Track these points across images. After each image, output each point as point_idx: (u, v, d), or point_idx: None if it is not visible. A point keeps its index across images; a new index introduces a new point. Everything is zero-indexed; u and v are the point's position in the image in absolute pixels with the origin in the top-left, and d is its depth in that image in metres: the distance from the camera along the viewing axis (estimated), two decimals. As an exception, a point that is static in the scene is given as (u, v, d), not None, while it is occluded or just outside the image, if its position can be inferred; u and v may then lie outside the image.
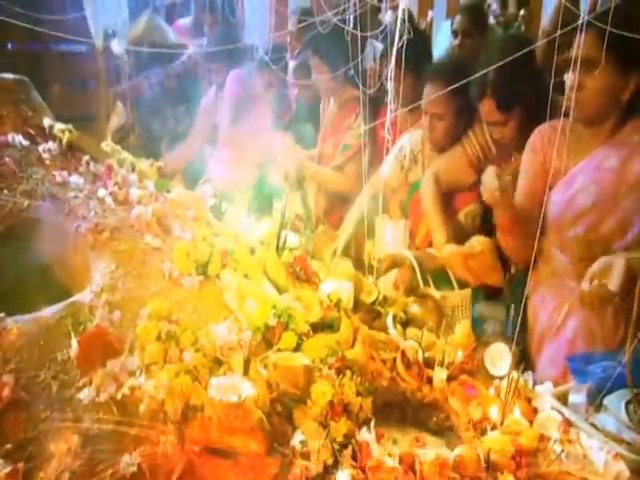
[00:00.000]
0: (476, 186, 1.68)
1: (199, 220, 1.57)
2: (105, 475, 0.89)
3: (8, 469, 0.86)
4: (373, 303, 1.46)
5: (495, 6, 3.13)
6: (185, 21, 3.84)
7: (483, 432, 1.13)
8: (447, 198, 1.81)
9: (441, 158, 1.83)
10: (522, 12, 3.33)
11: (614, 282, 1.17)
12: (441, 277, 1.62)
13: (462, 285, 1.63)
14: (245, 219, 1.66)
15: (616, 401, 1.15)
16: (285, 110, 2.94)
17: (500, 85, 1.58)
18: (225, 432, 0.97)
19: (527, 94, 1.58)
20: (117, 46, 3.14)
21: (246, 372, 1.09)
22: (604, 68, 1.24)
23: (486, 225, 1.76)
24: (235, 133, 2.73)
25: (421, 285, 1.56)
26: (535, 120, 1.51)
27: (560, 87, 1.35)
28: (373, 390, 1.17)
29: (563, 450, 1.06)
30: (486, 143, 1.78)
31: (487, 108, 1.64)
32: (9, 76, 1.82)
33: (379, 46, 2.15)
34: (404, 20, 1.54)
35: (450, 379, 1.24)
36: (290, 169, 2.39)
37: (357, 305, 1.42)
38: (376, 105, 2.15)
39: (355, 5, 1.85)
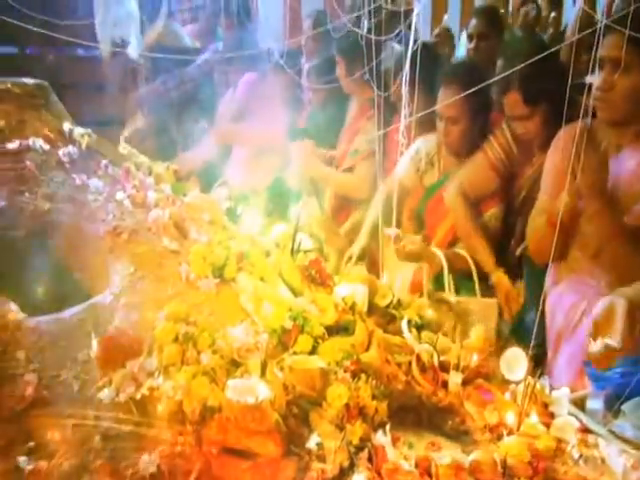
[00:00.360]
0: (497, 191, 1.68)
1: (215, 223, 1.59)
2: (125, 474, 0.91)
3: (31, 466, 0.87)
4: (387, 306, 1.46)
5: (534, 12, 3.14)
6: (199, 25, 3.87)
7: (499, 437, 1.13)
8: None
9: (463, 169, 1.83)
10: (553, 14, 3.32)
11: (617, 337, 1.16)
12: (464, 281, 1.62)
13: (484, 292, 1.63)
14: (260, 222, 1.67)
15: (634, 408, 1.14)
16: (299, 113, 2.96)
17: (527, 78, 1.58)
18: (242, 433, 0.98)
19: (553, 90, 1.57)
20: (133, 51, 3.18)
21: (263, 374, 1.10)
22: (635, 70, 1.24)
23: (507, 225, 1.76)
24: (233, 130, 2.75)
25: (446, 284, 1.56)
26: (559, 118, 1.50)
27: (582, 89, 1.35)
28: (388, 393, 1.17)
29: (581, 455, 1.05)
30: (507, 143, 1.78)
31: (512, 101, 1.64)
32: (30, 81, 1.85)
33: (398, 48, 2.15)
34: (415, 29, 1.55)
35: (466, 383, 1.23)
36: (304, 172, 2.41)
37: (372, 308, 1.43)
38: (390, 110, 2.16)
39: (370, 10, 1.86)
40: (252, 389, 1.02)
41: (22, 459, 0.89)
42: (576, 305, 1.43)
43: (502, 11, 3.32)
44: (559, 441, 1.11)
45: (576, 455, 1.06)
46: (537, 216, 1.55)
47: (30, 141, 1.69)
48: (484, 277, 1.70)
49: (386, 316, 1.44)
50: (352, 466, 1.00)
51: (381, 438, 1.06)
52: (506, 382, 1.26)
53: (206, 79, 3.17)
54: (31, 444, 0.92)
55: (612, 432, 1.12)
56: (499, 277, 1.66)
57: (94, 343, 1.05)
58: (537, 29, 3.30)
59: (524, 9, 3.18)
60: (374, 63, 1.81)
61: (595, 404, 1.18)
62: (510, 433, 1.13)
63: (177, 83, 3.06)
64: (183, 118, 3.09)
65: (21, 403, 0.94)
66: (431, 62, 1.99)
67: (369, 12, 1.88)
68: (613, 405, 1.15)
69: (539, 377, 1.22)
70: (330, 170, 2.45)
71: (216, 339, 1.13)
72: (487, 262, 1.70)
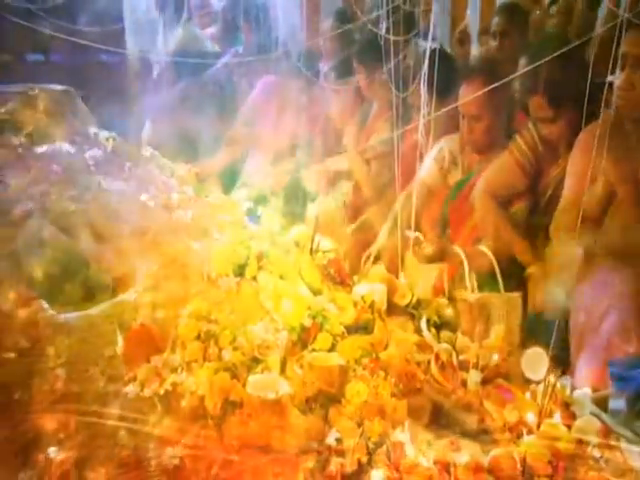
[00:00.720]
0: (524, 190, 1.68)
1: (236, 224, 1.62)
2: (150, 465, 0.94)
3: (62, 456, 0.91)
4: (407, 306, 1.47)
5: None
6: (218, 28, 3.92)
7: (519, 436, 1.13)
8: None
9: (490, 168, 1.82)
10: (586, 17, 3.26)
11: None
12: (488, 277, 1.61)
13: (508, 287, 1.61)
14: (279, 222, 1.70)
15: (658, 408, 1.12)
16: (318, 114, 2.97)
17: (552, 82, 1.57)
18: (263, 428, 1.00)
19: (578, 93, 1.56)
20: (155, 56, 3.25)
21: (282, 371, 1.12)
22: None
23: (532, 224, 1.76)
24: (247, 135, 2.79)
25: (467, 282, 1.54)
26: (585, 120, 1.49)
27: (609, 88, 1.34)
28: (407, 392, 1.18)
29: (602, 456, 1.04)
30: (534, 142, 1.76)
31: (537, 104, 1.64)
32: (57, 87, 1.91)
33: (424, 45, 2.14)
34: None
35: (485, 382, 1.23)
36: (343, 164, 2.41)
37: (391, 307, 1.43)
38: (408, 113, 2.15)
39: (388, 10, 1.88)
40: (272, 385, 1.04)
41: (52, 449, 0.92)
42: (598, 304, 1.42)
43: (538, 12, 3.27)
44: (580, 441, 1.10)
45: (597, 455, 1.05)
46: (562, 213, 1.55)
47: (57, 145, 1.75)
48: (508, 274, 1.68)
49: (405, 315, 1.44)
50: (370, 462, 1.01)
51: (399, 435, 1.07)
52: (527, 381, 1.26)
53: (226, 82, 3.21)
54: (61, 435, 0.96)
55: (635, 432, 1.10)
56: (537, 268, 1.64)
57: (120, 339, 1.09)
58: (568, 29, 3.23)
59: (554, 7, 3.12)
60: (392, 64, 1.82)
61: (617, 404, 1.17)
62: (530, 432, 1.13)
63: (198, 86, 3.11)
64: (204, 121, 3.13)
65: (51, 396, 0.98)
66: (448, 62, 1.99)
67: (387, 12, 1.90)
68: (635, 406, 1.14)
69: (560, 377, 1.22)
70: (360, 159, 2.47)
71: (237, 336, 1.15)
72: (524, 254, 1.68)
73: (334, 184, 2.60)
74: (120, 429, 0.98)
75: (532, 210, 1.78)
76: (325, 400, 1.11)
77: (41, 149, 1.66)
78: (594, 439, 1.09)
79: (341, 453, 1.01)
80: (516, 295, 1.60)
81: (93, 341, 1.09)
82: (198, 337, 1.14)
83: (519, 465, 1.03)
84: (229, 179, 2.71)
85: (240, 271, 1.33)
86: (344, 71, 2.59)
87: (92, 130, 1.88)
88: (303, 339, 1.21)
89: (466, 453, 1.07)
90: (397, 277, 1.57)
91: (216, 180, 2.68)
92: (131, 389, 1.03)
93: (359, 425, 1.06)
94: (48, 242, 1.43)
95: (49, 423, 0.97)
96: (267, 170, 2.79)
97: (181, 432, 1.00)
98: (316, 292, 1.40)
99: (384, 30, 1.93)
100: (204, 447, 0.99)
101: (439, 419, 1.21)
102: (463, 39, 3.24)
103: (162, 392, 1.03)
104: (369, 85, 2.40)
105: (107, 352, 1.08)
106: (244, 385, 1.05)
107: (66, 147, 1.79)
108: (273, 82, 2.81)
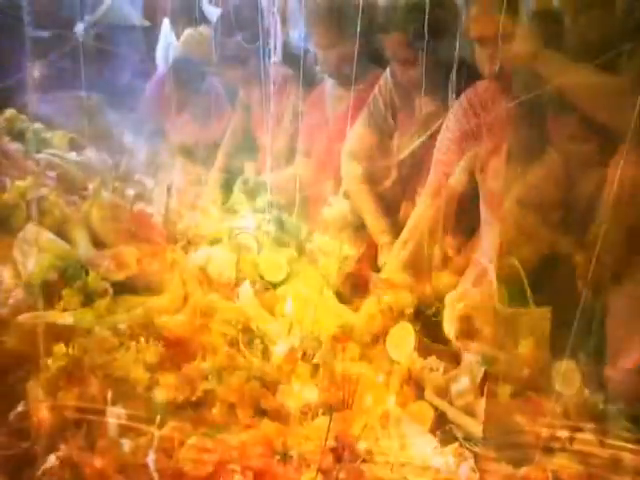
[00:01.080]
0: (557, 199, 1.66)
1: (261, 231, 1.63)
2: (182, 472, 0.94)
3: (66, 457, 0.90)
4: (433, 315, 1.46)
5: None
6: (224, 34, 3.92)
7: (551, 451, 1.11)
8: None
9: (522, 183, 1.80)
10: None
11: None
12: (517, 291, 1.60)
13: (538, 302, 1.59)
14: (305, 229, 1.70)
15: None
16: (323, 120, 2.97)
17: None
18: (293, 436, 1.00)
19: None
20: (162, 63, 3.28)
21: (311, 379, 1.12)
22: None
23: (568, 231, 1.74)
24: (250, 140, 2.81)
25: (495, 295, 1.53)
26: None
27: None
28: (414, 396, 1.17)
29: (638, 470, 1.02)
30: (566, 155, 1.74)
31: (565, 123, 1.62)
32: (86, 95, 1.96)
33: (450, 52, 2.11)
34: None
35: (515, 395, 1.22)
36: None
37: (417, 316, 1.43)
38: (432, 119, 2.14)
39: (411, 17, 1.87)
40: (301, 393, 1.04)
41: (55, 452, 0.91)
42: (637, 318, 1.39)
43: (577, 21, 3.19)
44: (614, 455, 1.08)
45: (631, 468, 1.03)
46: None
47: (86, 152, 1.79)
48: (536, 287, 1.66)
49: (432, 324, 1.43)
50: (399, 469, 1.00)
51: (427, 446, 1.06)
52: (558, 395, 1.23)
53: (230, 88, 3.23)
54: (65, 437, 0.94)
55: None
56: (583, 254, 1.61)
57: (152, 347, 1.10)
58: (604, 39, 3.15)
59: (591, 14, 3.04)
60: (416, 70, 1.81)
61: (652, 419, 1.14)
62: (562, 447, 1.11)
63: (206, 91, 3.12)
64: (213, 126, 3.15)
65: (88, 402, 0.99)
66: (475, 70, 1.97)
67: (409, 18, 1.89)
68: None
69: (593, 391, 1.20)
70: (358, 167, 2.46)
71: (267, 344, 1.16)
72: (567, 247, 1.66)
73: (341, 190, 2.59)
74: (154, 437, 0.98)
75: (567, 222, 1.76)
76: (352, 408, 1.11)
77: (73, 157, 1.70)
78: (628, 453, 1.07)
79: (357, 458, 1.00)
80: (545, 309, 1.58)
81: (128, 347, 1.10)
82: (228, 345, 1.15)
83: (552, 480, 1.01)
84: (252, 186, 2.73)
85: (268, 279, 1.34)
86: (350, 77, 2.58)
87: (118, 136, 1.92)
88: (332, 348, 1.21)
89: (497, 468, 1.06)
90: (424, 286, 1.56)
91: (237, 188, 2.70)
92: (163, 396, 1.04)
93: (373, 430, 1.05)
94: (49, 247, 1.42)
95: (52, 425, 0.96)
96: (279, 177, 2.80)
97: (214, 439, 1.00)
98: (343, 300, 1.40)
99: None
100: (236, 454, 0.99)
101: (442, 424, 1.18)
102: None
103: (194, 399, 1.04)
104: (391, 91, 2.39)
105: (140, 358, 1.09)
106: (274, 393, 1.06)
107: (94, 154, 1.83)
108: (277, 88, 2.81)
